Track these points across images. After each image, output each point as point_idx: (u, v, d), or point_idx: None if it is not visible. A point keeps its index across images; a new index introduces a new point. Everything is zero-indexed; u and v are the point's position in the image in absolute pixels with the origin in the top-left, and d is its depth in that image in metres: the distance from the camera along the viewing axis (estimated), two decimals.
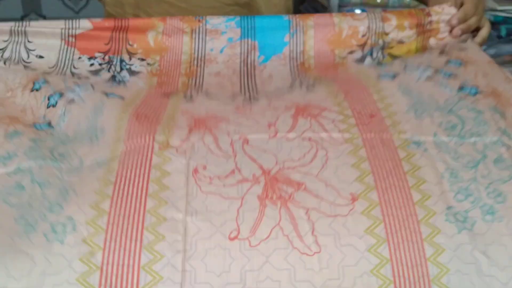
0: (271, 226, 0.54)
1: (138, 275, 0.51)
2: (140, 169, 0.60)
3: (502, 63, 1.11)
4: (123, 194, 0.57)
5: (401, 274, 0.51)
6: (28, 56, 0.85)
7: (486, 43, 1.05)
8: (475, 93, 0.71)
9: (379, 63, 0.86)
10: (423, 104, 0.69)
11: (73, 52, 0.86)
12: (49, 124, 0.73)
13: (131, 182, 0.59)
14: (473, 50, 0.82)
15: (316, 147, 0.62)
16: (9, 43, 0.85)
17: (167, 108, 0.73)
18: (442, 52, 0.81)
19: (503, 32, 1.25)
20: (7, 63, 0.84)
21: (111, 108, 0.72)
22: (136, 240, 0.53)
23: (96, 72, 0.86)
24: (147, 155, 0.61)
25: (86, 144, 0.68)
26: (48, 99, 0.77)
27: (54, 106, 0.75)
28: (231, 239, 0.53)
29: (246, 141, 0.63)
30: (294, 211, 0.55)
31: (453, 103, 0.69)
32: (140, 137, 0.64)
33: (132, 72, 0.86)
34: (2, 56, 0.83)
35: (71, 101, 0.75)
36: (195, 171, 0.59)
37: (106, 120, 0.70)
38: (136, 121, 0.68)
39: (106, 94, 0.77)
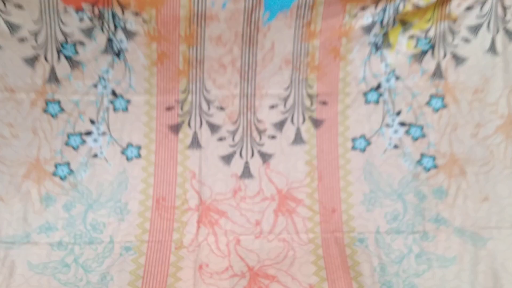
0: None
1: None
2: (161, 267, 0.83)
3: None
4: (149, 285, 0.81)
5: None
6: (5, 5, 0.81)
7: None
8: (430, 168, 0.89)
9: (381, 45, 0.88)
10: (378, 191, 0.89)
11: (57, 3, 0.81)
12: (69, 167, 0.88)
13: (155, 277, 0.82)
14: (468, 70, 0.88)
15: (287, 248, 0.86)
16: None
17: (177, 173, 0.90)
18: (434, 74, 0.89)
19: None
20: None
21: (134, 184, 0.88)
22: None
23: (89, 33, 0.84)
24: (166, 254, 0.84)
25: (113, 217, 0.86)
26: (68, 136, 0.89)
27: (74, 149, 0.89)
28: None
29: (238, 242, 0.86)
30: None
31: (405, 185, 0.90)
32: (161, 234, 0.85)
33: (128, 34, 0.85)
34: None
35: (95, 155, 0.90)
36: (200, 267, 0.83)
37: (130, 199, 0.88)
38: (156, 212, 0.86)
39: (126, 156, 0.90)
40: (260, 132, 0.93)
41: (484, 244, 0.85)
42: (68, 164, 0.90)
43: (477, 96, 0.88)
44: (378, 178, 0.90)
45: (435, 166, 0.90)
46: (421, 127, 0.90)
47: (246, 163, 0.93)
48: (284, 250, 0.86)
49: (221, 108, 0.93)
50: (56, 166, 0.89)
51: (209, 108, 0.92)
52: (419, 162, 0.90)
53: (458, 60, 0.89)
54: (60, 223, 0.84)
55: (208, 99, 0.93)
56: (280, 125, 0.93)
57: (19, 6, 0.81)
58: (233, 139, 0.93)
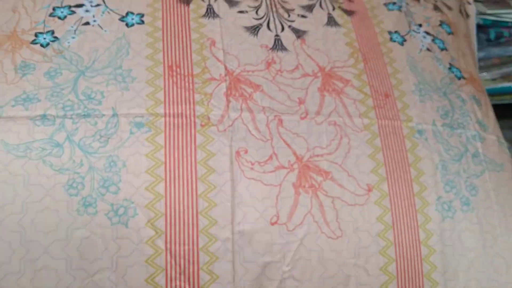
0: (304, 213, 0.64)
1: (198, 255, 0.62)
2: (187, 150, 0.63)
3: (491, 66, 1.18)
4: (175, 176, 0.62)
5: (401, 254, 0.65)
6: None
7: (476, 46, 1.12)
8: (460, 77, 0.82)
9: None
10: (425, 84, 0.78)
11: None
12: (53, 35, 0.68)
13: (180, 164, 0.62)
14: (456, 13, 0.91)
15: (340, 134, 0.69)
16: None
17: (192, 41, 0.71)
18: (435, 8, 0.89)
19: (492, 35, 1.29)
20: None
21: (138, 50, 0.68)
22: (193, 225, 0.62)
23: None
24: (191, 133, 0.64)
25: (113, 85, 0.65)
26: (53, 9, 0.69)
27: (61, 19, 0.69)
28: (272, 224, 0.63)
29: (281, 122, 0.68)
30: (322, 199, 0.65)
31: (446, 85, 0.80)
32: (180, 105, 0.65)
33: None
34: None
35: (86, 23, 0.69)
36: (238, 154, 0.64)
37: (134, 65, 0.67)
38: (170, 80, 0.66)
39: (125, 22, 0.70)
40: (288, 11, 0.78)
41: None
42: (51, 32, 0.69)
43: None
44: (422, 72, 0.79)
45: (464, 78, 0.82)
46: (443, 42, 0.85)
47: (277, 35, 0.76)
48: (337, 136, 0.69)
49: None
50: (36, 35, 0.69)
51: None
52: (450, 69, 0.82)
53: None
54: (43, 93, 0.63)
55: None
56: (309, 8, 0.80)
57: None
58: (256, 12, 0.77)
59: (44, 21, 0.69)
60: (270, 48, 0.73)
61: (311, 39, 0.76)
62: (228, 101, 0.67)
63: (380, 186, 0.67)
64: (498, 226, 0.71)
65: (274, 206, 0.63)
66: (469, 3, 0.99)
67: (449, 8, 0.92)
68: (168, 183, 0.61)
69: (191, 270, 0.59)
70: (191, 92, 0.66)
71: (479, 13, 1.23)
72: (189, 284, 0.59)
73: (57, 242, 0.57)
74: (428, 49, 0.83)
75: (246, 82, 0.69)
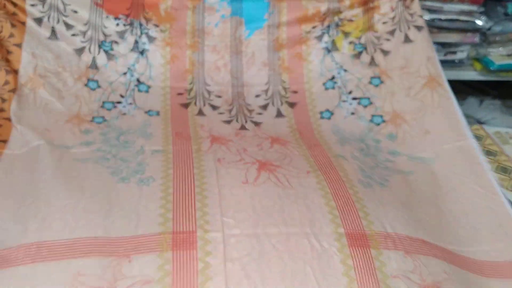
0: (265, 178, 0.96)
1: (195, 214, 0.88)
2: (187, 160, 1.01)
3: (507, 41, 1.27)
4: (179, 172, 0.97)
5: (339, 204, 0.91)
6: (65, 10, 1.17)
7: (493, 20, 1.35)
8: (380, 123, 1.18)
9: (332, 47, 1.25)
10: (345, 138, 1.14)
11: (102, 12, 1.18)
12: (104, 119, 1.11)
13: (183, 166, 0.99)
14: (395, 47, 1.26)
15: (285, 154, 1.05)
16: None
17: (189, 124, 1.13)
18: (370, 64, 1.26)
19: (510, 9, 1.32)
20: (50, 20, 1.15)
21: (157, 126, 1.13)
22: (192, 205, 0.93)
23: (122, 34, 1.20)
24: (189, 154, 1.03)
25: (141, 138, 1.07)
26: (103, 103, 1.15)
27: (108, 110, 1.14)
28: (243, 182, 0.95)
29: (245, 150, 1.06)
30: (277, 175, 0.97)
31: (364, 134, 1.16)
32: (182, 145, 1.06)
33: (150, 38, 1.22)
34: (43, 6, 1.15)
35: (124, 114, 1.15)
36: (219, 160, 1.01)
37: (153, 130, 1.10)
38: (176, 136, 1.09)
39: (147, 113, 1.16)
40: (250, 111, 1.23)
41: (433, 163, 1.10)
42: (103, 117, 1.14)
43: (404, 71, 1.26)
44: (343, 132, 1.18)
45: (384, 121, 1.21)
46: (368, 98, 1.24)
47: (243, 125, 1.19)
48: (283, 156, 1.06)
49: (219, 96, 1.25)
50: (93, 118, 1.13)
51: (209, 95, 1.25)
52: (371, 120, 1.21)
53: (384, 53, 1.31)
54: (98, 139, 1.04)
55: (209, 90, 1.26)
56: (264, 107, 1.25)
57: (75, 12, 1.18)
58: (230, 112, 1.22)
59: (97, 110, 1.14)
60: (238, 129, 1.17)
61: (264, 127, 1.20)
62: (211, 144, 1.08)
63: (316, 172, 0.99)
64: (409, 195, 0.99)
65: (244, 176, 0.96)
66: (421, 16, 1.26)
67: (387, 40, 1.27)
68: (175, 170, 0.98)
69: None
70: (188, 140, 1.07)
71: None
72: None
73: (102, 193, 0.91)
74: (352, 113, 1.21)
75: (222, 141, 1.11)
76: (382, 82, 1.25)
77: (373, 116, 1.22)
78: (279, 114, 1.23)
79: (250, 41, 1.26)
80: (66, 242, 0.81)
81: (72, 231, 0.82)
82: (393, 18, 1.30)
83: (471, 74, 1.56)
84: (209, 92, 1.24)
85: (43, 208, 0.85)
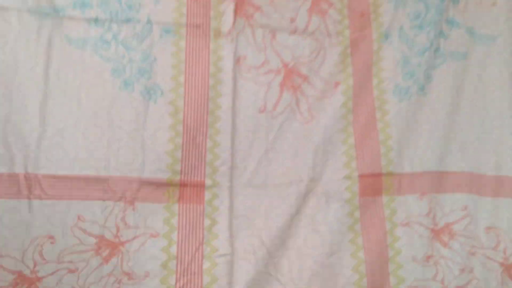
0: (285, 105, 0.87)
1: (205, 156, 0.83)
2: (202, 53, 0.84)
3: None
4: (192, 69, 0.83)
5: (358, 130, 0.85)
6: None
7: None
8: None
9: None
10: None
11: None
12: None
13: (197, 63, 0.84)
14: None
15: (319, 47, 0.90)
16: None
17: None
18: None
19: None
20: None
21: None
22: (204, 140, 0.83)
23: None
24: (206, 41, 0.85)
25: None
26: None
27: None
28: (261, 111, 0.86)
29: (274, 36, 0.88)
30: (299, 96, 0.87)
31: None
32: (198, 19, 0.86)
33: None
34: None
35: None
36: (239, 60, 0.86)
37: None
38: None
39: None
40: None
41: (493, 41, 0.90)
42: None
43: None
44: None
45: None
46: None
47: None
48: (317, 48, 0.89)
49: None
50: None
51: None
52: None
53: None
54: (94, 1, 0.82)
55: None
56: None
57: None
58: None
59: None
60: None
61: None
62: (235, 18, 0.87)
63: (346, 81, 0.88)
64: (450, 105, 0.88)
65: (263, 99, 0.85)
66: None
67: None
68: (187, 77, 0.83)
69: None
70: (208, 8, 0.86)
71: None
72: None
73: (102, 110, 0.80)
74: None
75: (249, 3, 0.88)
76: None
77: None
78: None
79: None
80: (65, 178, 0.76)
81: (71, 164, 0.76)
82: None
83: None
84: None
85: (36, 132, 0.76)
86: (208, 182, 0.80)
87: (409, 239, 0.82)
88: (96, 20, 0.82)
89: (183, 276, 0.76)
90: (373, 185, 0.84)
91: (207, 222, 0.78)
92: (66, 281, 0.73)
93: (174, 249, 0.76)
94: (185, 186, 0.79)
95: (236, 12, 0.87)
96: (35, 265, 0.73)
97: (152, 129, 0.80)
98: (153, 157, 0.79)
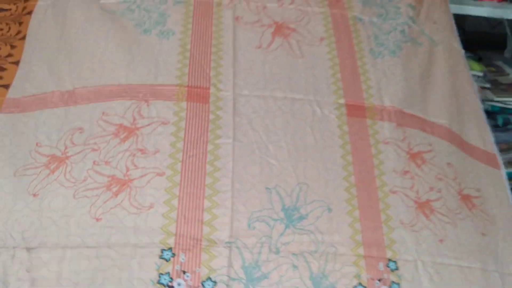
0: (278, 45, 1.02)
1: (209, 72, 0.97)
2: (207, 15, 1.05)
3: (499, 151, 1.22)
4: (198, 28, 1.02)
5: (344, 75, 1.00)
6: None
7: None
8: None
9: None
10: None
11: None
12: None
13: (202, 21, 1.04)
14: None
15: (304, 16, 1.09)
16: None
17: None
18: None
19: (500, 121, 1.37)
20: None
21: None
22: (207, 63, 0.99)
23: None
24: (210, 8, 1.06)
25: None
26: None
27: None
28: (257, 47, 1.01)
29: (265, 7, 1.08)
30: (290, 40, 1.03)
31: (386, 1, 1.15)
32: None
33: None
34: None
35: None
36: (237, 19, 1.05)
37: None
38: None
39: None
40: None
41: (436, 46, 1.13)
42: None
43: None
44: None
45: None
46: None
47: None
48: (302, 16, 1.09)
49: None
50: None
51: None
52: None
53: None
54: None
55: None
56: None
57: None
58: None
59: None
60: None
61: None
62: None
63: (329, 38, 1.05)
64: (418, 67, 1.06)
65: (258, 40, 1.02)
66: None
67: None
68: (195, 25, 1.02)
69: None
70: None
71: (487, 100, 1.38)
72: None
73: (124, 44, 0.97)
74: None
75: None
76: None
77: None
78: None
79: None
80: (94, 89, 0.90)
81: (98, 79, 0.91)
82: None
83: None
84: None
85: (74, 59, 0.94)
86: (212, 89, 0.92)
87: (389, 154, 0.91)
88: (124, 1, 1.05)
89: (189, 152, 0.84)
90: (358, 110, 0.96)
91: (211, 116, 0.88)
92: (89, 157, 0.82)
93: (182, 134, 0.85)
94: (192, 89, 0.91)
95: None
96: (65, 148, 0.83)
97: (165, 55, 0.96)
98: (165, 72, 0.93)
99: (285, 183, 0.83)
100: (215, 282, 0.73)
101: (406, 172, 0.91)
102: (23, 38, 1.01)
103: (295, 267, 0.77)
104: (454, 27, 1.21)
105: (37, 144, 0.83)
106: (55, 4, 1.04)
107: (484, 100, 1.25)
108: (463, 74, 1.14)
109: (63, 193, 0.78)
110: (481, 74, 1.40)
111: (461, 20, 1.56)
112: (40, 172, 0.80)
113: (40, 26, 1.01)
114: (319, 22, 1.07)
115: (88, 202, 0.77)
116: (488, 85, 1.40)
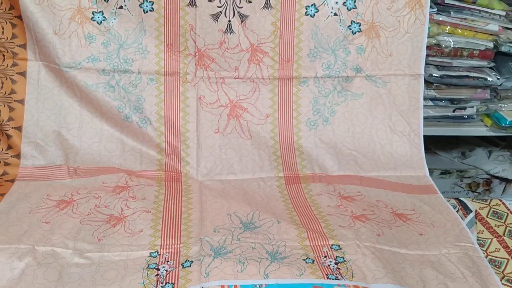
0: (231, 128, 1.31)
1: (180, 158, 1.31)
2: (175, 93, 1.27)
3: None
4: (169, 106, 1.27)
5: (282, 145, 1.34)
6: None
7: (504, 76, 1.44)
8: (356, 31, 1.29)
9: None
10: (319, 47, 1.31)
11: None
12: (103, 15, 1.23)
13: (172, 100, 1.27)
14: None
15: (255, 87, 1.31)
16: None
17: (180, 24, 1.25)
18: None
19: None
20: None
21: (150, 31, 1.25)
22: (178, 130, 1.32)
23: None
24: (177, 86, 1.27)
25: (138, 55, 1.25)
26: None
27: (105, 1, 1.22)
28: (215, 132, 1.31)
29: (223, 81, 1.30)
30: (242, 122, 1.32)
31: (338, 42, 1.30)
32: (172, 69, 1.27)
33: None
34: None
35: (120, 7, 1.23)
36: (200, 98, 1.28)
37: (148, 43, 1.25)
38: (167, 54, 1.26)
39: (143, 8, 1.24)
40: None
41: (384, 85, 1.35)
42: (102, 12, 1.23)
43: None
44: (321, 37, 1.31)
45: (360, 30, 1.33)
46: (354, 0, 1.29)
47: (229, 21, 1.29)
48: (254, 88, 1.32)
49: None
50: (93, 13, 1.22)
51: None
52: (349, 27, 1.32)
53: None
54: (101, 56, 1.22)
55: None
56: None
57: None
58: (220, 1, 1.27)
59: (96, 2, 1.21)
60: (224, 31, 1.29)
61: (249, 22, 1.30)
62: (196, 69, 1.28)
63: (273, 114, 1.32)
64: (347, 130, 1.33)
65: (217, 124, 1.30)
66: None
67: None
68: (166, 111, 1.26)
69: None
70: (178, 62, 1.28)
71: (509, 41, 1.42)
72: None
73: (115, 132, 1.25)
74: (335, 14, 1.31)
75: (207, 56, 1.31)
76: None
77: (352, 22, 1.32)
78: (267, 4, 1.29)
79: None
80: (95, 168, 1.24)
81: (98, 162, 1.24)
82: None
83: (481, 130, 1.55)
84: None
85: (76, 144, 1.23)
86: (183, 171, 1.28)
87: (323, 199, 1.20)
88: (103, 71, 1.24)
89: (168, 203, 1.17)
90: (294, 179, 1.30)
91: (184, 196, 1.22)
92: (92, 202, 1.13)
93: (162, 193, 1.21)
94: (168, 172, 1.27)
95: (197, 63, 1.29)
96: (72, 196, 1.15)
97: (146, 146, 1.27)
98: (148, 161, 1.27)
99: (241, 211, 1.13)
100: (191, 261, 0.96)
101: (339, 206, 1.17)
102: (21, 101, 1.22)
103: (253, 248, 1.00)
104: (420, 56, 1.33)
105: (47, 195, 1.17)
106: (47, 68, 1.21)
107: (506, 42, 1.38)
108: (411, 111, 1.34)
109: (71, 220, 1.05)
110: (503, 13, 1.42)
111: None
112: (50, 210, 1.09)
113: (37, 92, 1.22)
114: (266, 96, 1.32)
115: (90, 229, 1.04)
116: (510, 25, 1.42)
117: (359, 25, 1.32)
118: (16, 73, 1.21)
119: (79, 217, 1.07)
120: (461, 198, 1.27)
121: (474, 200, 1.27)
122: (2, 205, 1.08)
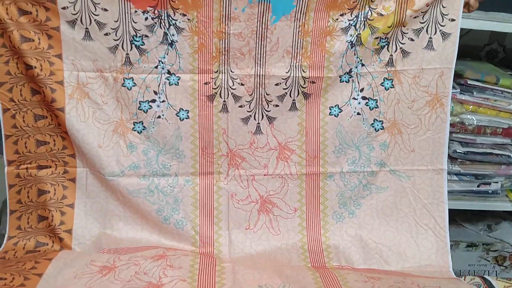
0: (261, 224, 1.40)
1: (213, 246, 1.41)
2: (209, 193, 1.38)
3: None
4: (203, 205, 1.38)
5: (311, 243, 1.42)
6: (95, 9, 1.20)
7: None
8: (379, 129, 1.36)
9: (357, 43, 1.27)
10: (344, 144, 1.39)
11: (130, 5, 1.20)
12: (143, 125, 1.35)
13: (206, 201, 1.38)
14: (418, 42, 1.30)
15: (284, 183, 1.39)
16: None
17: (214, 129, 1.37)
18: (387, 63, 1.32)
19: None
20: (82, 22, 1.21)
21: (186, 137, 1.36)
22: (212, 229, 1.41)
23: (151, 28, 1.24)
24: (211, 184, 1.37)
25: (175, 159, 1.36)
26: (140, 103, 1.34)
27: (145, 112, 1.34)
28: (246, 229, 1.38)
29: (254, 178, 1.39)
30: (271, 217, 1.39)
31: (362, 139, 1.36)
32: (207, 169, 1.37)
33: (178, 29, 1.24)
34: (74, 9, 1.19)
35: (158, 117, 1.35)
36: (232, 196, 1.37)
37: (185, 148, 1.36)
38: (202, 157, 1.37)
39: (179, 117, 1.36)
40: (268, 102, 1.38)
41: (408, 179, 1.41)
42: (141, 122, 1.36)
43: (415, 80, 1.36)
44: (345, 135, 1.39)
45: (383, 128, 1.40)
46: (376, 100, 1.36)
47: (258, 123, 1.39)
48: (282, 184, 1.40)
49: (242, 84, 1.37)
50: (134, 123, 1.35)
51: (233, 84, 1.37)
52: (372, 124, 1.40)
53: (404, 53, 1.35)
54: (142, 164, 1.34)
55: (233, 77, 1.37)
56: (281, 98, 1.38)
57: (105, 10, 1.21)
58: (249, 106, 1.38)
59: (136, 114, 1.34)
60: (253, 133, 1.40)
61: (277, 124, 1.40)
62: (229, 168, 1.39)
63: (301, 208, 1.40)
64: (373, 223, 1.40)
65: (247, 220, 1.38)
66: (453, 20, 1.27)
67: (411, 40, 1.30)
68: (201, 210, 1.37)
69: None
70: (212, 163, 1.38)
71: None
72: None
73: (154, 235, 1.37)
74: (358, 113, 1.38)
75: (238, 156, 1.40)
76: (392, 86, 1.34)
77: (375, 120, 1.39)
78: (293, 107, 1.39)
79: (276, 27, 1.27)
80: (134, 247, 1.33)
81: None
82: (424, 14, 1.30)
83: (506, 205, 1.58)
84: (233, 80, 1.38)
85: (118, 241, 1.33)
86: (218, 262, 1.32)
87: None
88: (144, 176, 1.35)
89: (202, 272, 1.21)
90: (323, 271, 1.33)
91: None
92: (132, 268, 1.18)
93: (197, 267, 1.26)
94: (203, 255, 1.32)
95: (229, 163, 1.39)
96: (114, 262, 1.19)
97: (182, 245, 1.35)
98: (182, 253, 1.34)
99: (272, 283, 1.16)
100: None
101: (366, 281, 1.21)
102: (71, 205, 1.35)
103: None
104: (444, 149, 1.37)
105: (91, 261, 1.22)
106: (93, 174, 1.34)
107: None
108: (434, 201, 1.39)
109: (113, 286, 1.09)
110: None
111: (501, 37, 1.70)
112: (93, 275, 1.13)
113: (85, 197, 1.34)
114: (295, 191, 1.39)
115: None
116: None
117: (382, 123, 1.38)
118: (67, 179, 1.34)
119: (120, 284, 1.13)
120: (485, 277, 1.27)
121: (499, 279, 1.27)
122: (49, 270, 1.16)
